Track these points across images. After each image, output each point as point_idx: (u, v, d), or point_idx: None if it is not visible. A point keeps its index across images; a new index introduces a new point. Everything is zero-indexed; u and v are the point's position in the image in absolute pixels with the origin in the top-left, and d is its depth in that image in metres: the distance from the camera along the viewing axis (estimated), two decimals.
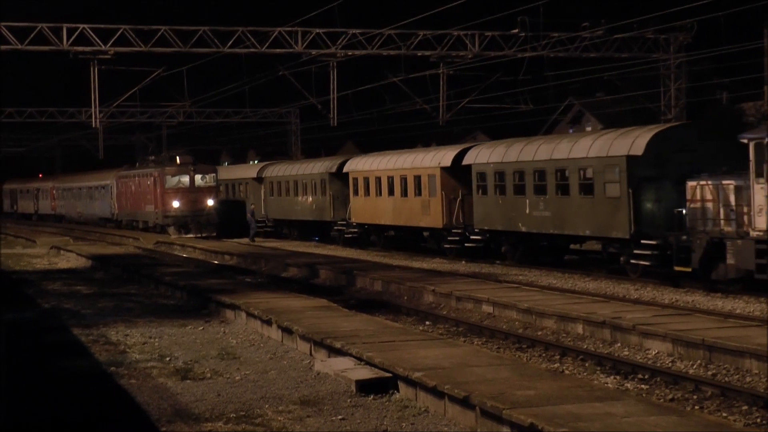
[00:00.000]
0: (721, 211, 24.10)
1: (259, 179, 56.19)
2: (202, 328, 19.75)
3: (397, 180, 40.02)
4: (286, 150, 77.22)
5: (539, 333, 19.44)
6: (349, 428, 11.50)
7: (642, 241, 26.58)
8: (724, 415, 12.72)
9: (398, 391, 13.07)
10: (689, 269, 24.56)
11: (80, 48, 40.57)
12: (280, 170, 54.04)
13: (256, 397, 13.10)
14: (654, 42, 46.04)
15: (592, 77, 50.73)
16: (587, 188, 29.02)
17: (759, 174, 22.41)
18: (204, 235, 52.73)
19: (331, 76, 45.53)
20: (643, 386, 14.55)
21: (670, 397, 13.82)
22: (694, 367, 15.54)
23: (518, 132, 52.90)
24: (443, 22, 43.33)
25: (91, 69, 42.25)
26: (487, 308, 22.13)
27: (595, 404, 10.90)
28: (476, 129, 79.30)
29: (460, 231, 35.85)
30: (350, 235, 44.73)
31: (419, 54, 44.11)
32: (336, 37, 42.49)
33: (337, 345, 15.34)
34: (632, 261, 27.11)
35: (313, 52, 43.07)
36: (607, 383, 14.57)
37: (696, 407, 13.12)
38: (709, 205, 24.52)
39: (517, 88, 48.22)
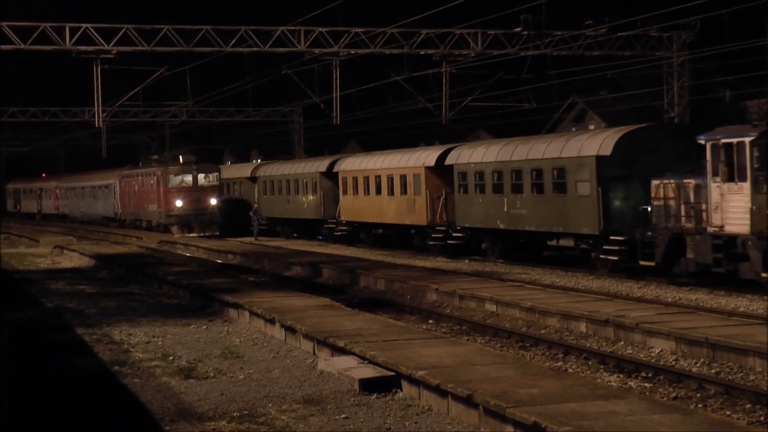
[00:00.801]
0: (682, 208, 25.42)
1: (252, 179, 57.13)
2: (205, 327, 19.75)
3: (384, 179, 41.31)
4: (289, 149, 77.20)
5: (542, 331, 19.43)
6: (352, 427, 11.50)
7: (611, 237, 27.86)
8: (728, 413, 12.71)
9: (401, 390, 13.07)
10: (653, 263, 25.90)
11: (83, 47, 40.56)
12: (272, 170, 55.13)
13: (260, 396, 13.11)
14: (657, 40, 45.99)
15: (595, 75, 50.64)
16: (560, 187, 30.24)
17: (715, 173, 23.83)
18: (207, 234, 52.78)
19: (334, 75, 45.51)
20: (646, 384, 14.54)
21: (674, 395, 13.82)
22: (698, 365, 15.53)
23: (521, 130, 52.87)
24: (446, 20, 43.31)
25: (94, 68, 42.25)
26: (490, 307, 22.13)
27: (599, 403, 10.90)
28: (479, 127, 79.22)
29: (443, 228, 36.90)
30: (340, 233, 45.82)
31: (422, 53, 44.07)
32: (339, 36, 42.47)
33: (340, 344, 15.35)
34: (602, 256, 28.27)
35: (316, 51, 43.05)
36: (610, 382, 14.56)
37: (699, 405, 13.12)
38: (672, 202, 25.76)
39: (519, 86, 48.19)
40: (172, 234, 53.09)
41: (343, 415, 11.95)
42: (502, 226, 33.06)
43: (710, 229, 24.14)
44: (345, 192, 45.05)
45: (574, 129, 72.77)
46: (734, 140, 23.55)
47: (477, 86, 49.24)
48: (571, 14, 47.11)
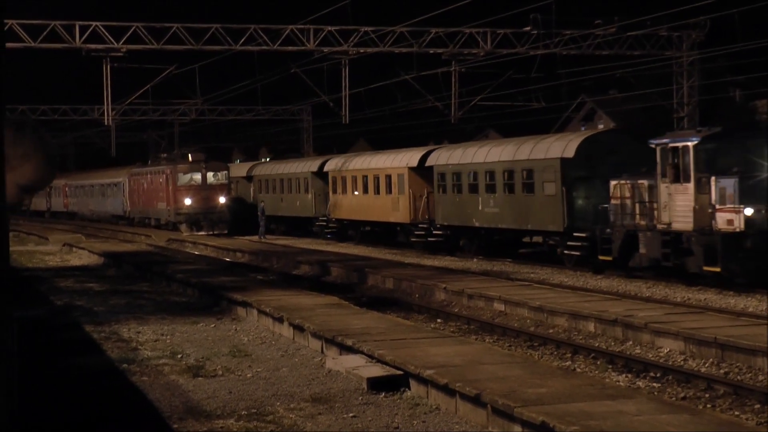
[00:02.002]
0: (636, 207, 27.32)
1: (248, 178, 58.24)
2: (213, 325, 19.78)
3: (371, 179, 43.48)
4: (298, 148, 77.25)
5: (551, 331, 19.42)
6: (360, 426, 11.50)
7: (574, 234, 29.94)
8: (737, 413, 12.68)
9: (409, 389, 13.06)
10: (610, 258, 27.89)
11: (93, 45, 40.64)
12: (267, 170, 57.25)
13: (268, 395, 13.11)
14: (667, 39, 45.90)
15: (604, 75, 50.58)
16: (529, 187, 32.31)
17: (663, 175, 25.88)
18: (216, 232, 52.84)
19: (343, 74, 45.53)
20: (655, 384, 14.52)
21: (682, 395, 13.79)
22: (706, 365, 15.50)
23: (530, 130, 52.81)
24: (455, 19, 43.33)
25: (103, 66, 42.33)
26: (498, 306, 22.11)
27: (607, 402, 10.88)
28: (488, 127, 79.17)
29: (425, 226, 38.89)
30: (330, 230, 47.81)
31: (431, 51, 44.05)
32: (348, 34, 42.48)
33: (349, 342, 15.35)
34: (566, 252, 30.42)
35: (325, 49, 43.07)
36: (618, 381, 14.53)
37: (708, 406, 13.09)
38: (627, 201, 27.69)
39: (529, 85, 48.20)
40: (181, 232, 53.17)
41: (351, 414, 11.95)
42: (477, 224, 35.24)
43: (660, 226, 26.05)
44: (335, 191, 47.09)
45: (583, 128, 72.66)
46: (680, 144, 25.54)
47: (486, 85, 49.23)
48: (581, 13, 47.18)
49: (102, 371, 15.08)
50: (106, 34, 40.44)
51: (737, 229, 23.98)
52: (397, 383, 13.16)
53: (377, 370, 13.55)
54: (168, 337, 18.35)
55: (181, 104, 68.09)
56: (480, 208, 34.83)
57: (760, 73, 48.75)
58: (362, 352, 14.75)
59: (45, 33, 39.35)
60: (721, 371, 15.07)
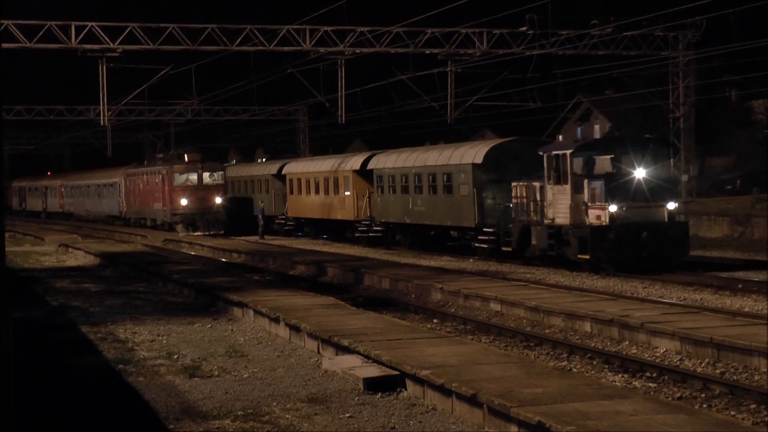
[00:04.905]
0: (531, 205, 31.27)
1: None
2: (209, 325, 19.77)
3: (321, 181, 47.62)
4: (294, 148, 77.24)
5: (547, 331, 19.42)
6: (356, 426, 11.50)
7: (484, 229, 34.12)
8: (733, 413, 12.69)
9: (406, 389, 13.07)
10: (510, 249, 32.05)
11: (89, 46, 40.65)
12: (236, 172, 60.78)
13: (264, 395, 13.12)
14: (663, 39, 45.97)
15: (600, 75, 50.62)
16: (448, 188, 36.59)
17: (549, 178, 30.08)
18: (212, 232, 52.81)
19: (339, 74, 45.56)
20: (651, 384, 14.53)
21: (678, 395, 13.80)
22: (702, 365, 15.51)
23: (526, 130, 52.87)
24: (451, 19, 43.37)
25: (99, 67, 42.33)
26: (494, 306, 22.12)
27: (603, 402, 10.89)
28: (484, 127, 79.19)
29: (367, 223, 43.15)
30: (288, 227, 52.18)
31: (427, 52, 44.10)
32: (344, 35, 42.51)
33: (345, 343, 15.35)
34: (477, 245, 34.55)
35: (321, 49, 43.09)
36: (614, 381, 14.54)
37: (704, 405, 13.10)
38: (524, 201, 31.62)
39: (525, 85, 48.20)
40: (177, 233, 53.13)
41: (347, 414, 11.95)
42: (408, 221, 39.66)
43: (546, 221, 30.29)
44: (291, 192, 51.48)
45: (579, 129, 72.71)
46: (560, 152, 29.71)
47: (482, 85, 49.27)
48: (577, 14, 47.21)
49: (98, 372, 15.07)
50: (102, 34, 40.43)
51: (603, 223, 28.23)
52: (393, 383, 13.16)
53: (373, 371, 13.56)
54: (164, 337, 18.34)
55: (177, 104, 68.12)
56: (410, 206, 39.16)
57: (756, 73, 48.80)
58: (358, 353, 14.75)
59: (41, 33, 39.35)
60: (717, 371, 15.08)
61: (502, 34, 43.36)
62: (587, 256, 28.27)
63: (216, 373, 14.72)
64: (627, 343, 17.61)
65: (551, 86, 49.10)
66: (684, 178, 48.90)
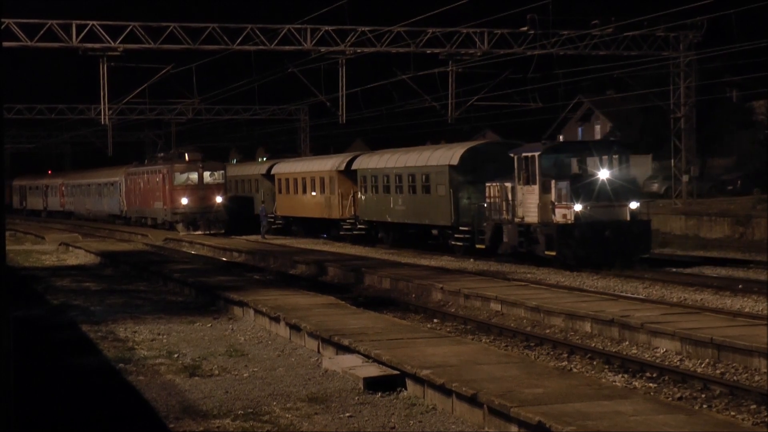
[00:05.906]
0: (503, 204, 32.48)
1: None
2: (210, 325, 19.77)
3: (308, 181, 49.07)
4: (295, 147, 77.25)
5: (547, 331, 19.42)
6: (356, 426, 11.50)
7: (460, 228, 35.58)
8: (733, 414, 12.69)
9: (406, 389, 13.06)
10: (484, 246, 33.40)
11: (90, 45, 40.63)
12: (233, 171, 61.40)
13: (264, 395, 13.12)
14: (664, 40, 45.94)
15: (601, 75, 50.61)
16: (426, 189, 38.06)
17: (519, 179, 31.45)
18: (213, 232, 52.80)
19: (340, 74, 45.55)
20: (651, 385, 14.52)
21: (679, 395, 13.80)
22: (703, 365, 15.50)
23: (528, 130, 52.88)
24: (452, 19, 43.33)
25: (100, 66, 42.32)
26: (495, 306, 22.11)
27: (603, 402, 10.89)
28: (485, 127, 79.18)
29: (352, 221, 44.51)
30: (277, 226, 53.11)
31: (428, 51, 44.07)
32: (345, 34, 42.49)
33: (345, 342, 15.35)
34: (453, 242, 35.97)
35: (322, 49, 43.08)
36: (615, 382, 14.54)
37: (704, 406, 13.10)
38: (497, 200, 32.89)
39: (526, 85, 48.17)
40: (178, 232, 53.12)
41: (347, 414, 11.95)
42: (390, 220, 41.00)
43: (516, 220, 31.64)
44: (280, 191, 52.78)
45: (580, 129, 72.72)
46: (529, 154, 31.03)
47: (483, 85, 49.24)
48: (578, 14, 47.12)
49: (98, 371, 15.07)
50: (103, 33, 40.42)
51: (569, 222, 29.59)
52: (393, 383, 13.16)
53: (374, 370, 13.56)
54: (164, 336, 18.35)
55: (177, 104, 68.11)
56: (392, 206, 40.55)
57: (757, 73, 48.79)
58: (359, 352, 14.75)
59: (42, 32, 39.34)
60: (718, 372, 15.07)
61: (503, 34, 43.34)
62: (554, 253, 29.71)
63: (216, 372, 14.73)
64: (627, 343, 17.61)
65: (552, 86, 49.10)
66: (685, 178, 48.92)
